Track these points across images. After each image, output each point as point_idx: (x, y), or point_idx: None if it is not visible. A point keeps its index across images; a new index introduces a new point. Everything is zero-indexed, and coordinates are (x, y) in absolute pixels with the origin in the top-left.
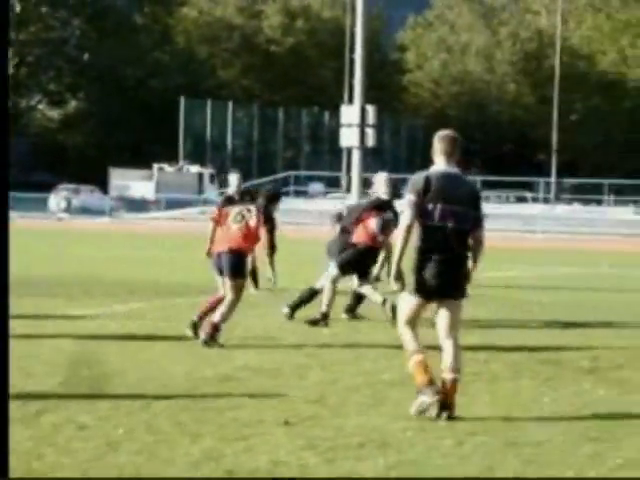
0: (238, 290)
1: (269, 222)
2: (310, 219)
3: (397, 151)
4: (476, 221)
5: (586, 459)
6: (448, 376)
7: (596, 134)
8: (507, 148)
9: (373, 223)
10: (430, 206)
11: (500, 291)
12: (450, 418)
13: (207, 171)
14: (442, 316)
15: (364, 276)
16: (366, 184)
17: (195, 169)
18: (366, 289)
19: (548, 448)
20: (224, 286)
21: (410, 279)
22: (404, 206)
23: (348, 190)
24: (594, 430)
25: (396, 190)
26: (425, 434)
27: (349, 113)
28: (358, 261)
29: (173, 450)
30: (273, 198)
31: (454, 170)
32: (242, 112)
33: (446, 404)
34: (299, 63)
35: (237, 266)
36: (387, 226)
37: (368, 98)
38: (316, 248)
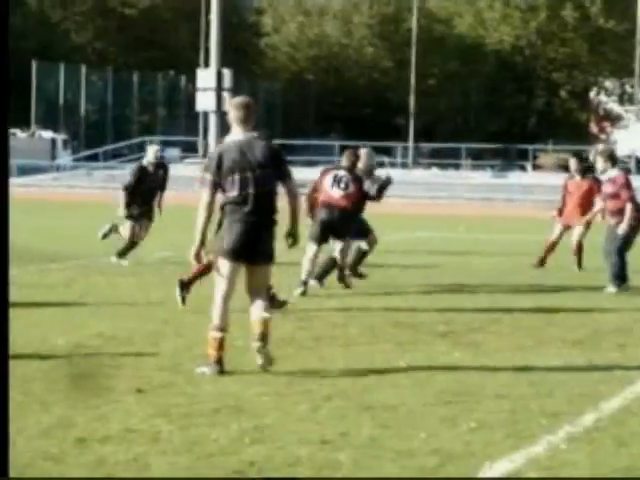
0: None
1: None
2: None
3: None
4: (282, 177)
5: (440, 422)
6: (259, 317)
7: (454, 98)
8: (366, 112)
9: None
10: (229, 178)
11: None
12: (265, 370)
13: (60, 137)
14: (250, 281)
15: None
16: None
17: (48, 135)
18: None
19: (403, 412)
20: None
21: (220, 246)
22: (202, 185)
23: (204, 155)
24: (448, 393)
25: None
26: (281, 399)
27: (205, 77)
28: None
29: (23, 419)
30: None
31: (250, 135)
32: (96, 76)
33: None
34: (154, 26)
35: None
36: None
37: (225, 62)
38: (175, 213)
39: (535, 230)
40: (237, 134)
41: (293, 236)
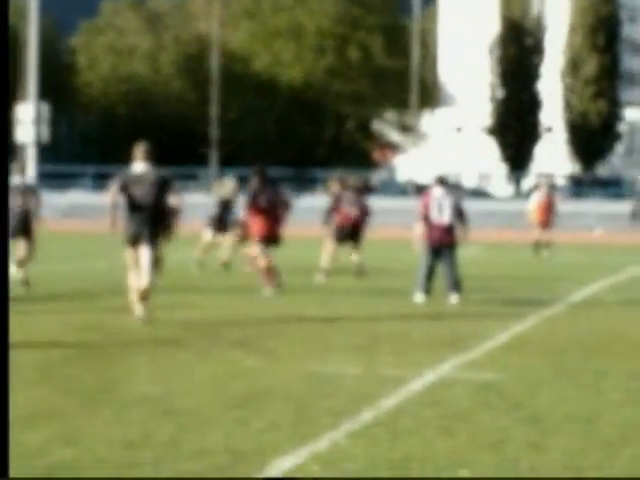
0: None
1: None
2: None
3: (71, 145)
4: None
5: (233, 423)
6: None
7: (252, 129)
8: (173, 142)
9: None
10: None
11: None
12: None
13: None
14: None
15: None
16: (42, 177)
17: None
18: None
19: (199, 414)
20: None
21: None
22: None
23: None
24: (241, 397)
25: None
26: (88, 406)
27: (23, 111)
28: None
29: None
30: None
31: (144, 166)
32: None
33: None
34: None
35: None
36: None
37: (43, 97)
38: None
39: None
40: (136, 165)
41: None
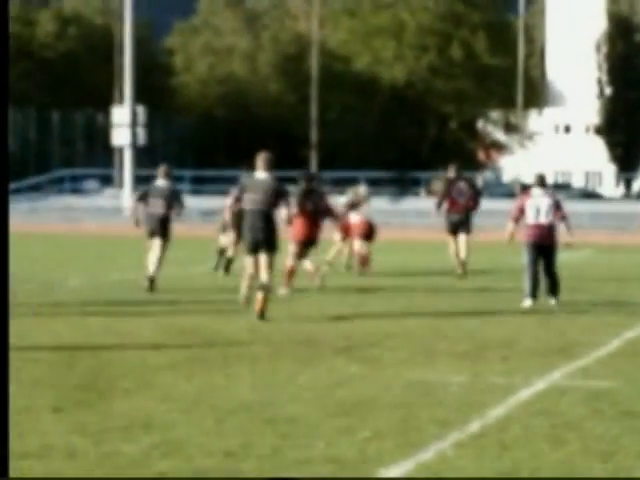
0: None
1: None
2: (85, 215)
3: (168, 148)
4: (279, 200)
5: (337, 432)
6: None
7: (352, 129)
8: (272, 144)
9: None
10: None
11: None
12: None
13: None
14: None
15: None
16: (139, 180)
17: None
18: None
19: (302, 423)
20: None
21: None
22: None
23: (121, 186)
24: (345, 405)
25: None
26: (188, 415)
27: (120, 114)
28: None
29: None
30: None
31: (263, 175)
32: (20, 115)
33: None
34: (72, 67)
35: None
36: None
37: (140, 99)
38: (94, 242)
39: (426, 251)
40: (257, 172)
41: None
